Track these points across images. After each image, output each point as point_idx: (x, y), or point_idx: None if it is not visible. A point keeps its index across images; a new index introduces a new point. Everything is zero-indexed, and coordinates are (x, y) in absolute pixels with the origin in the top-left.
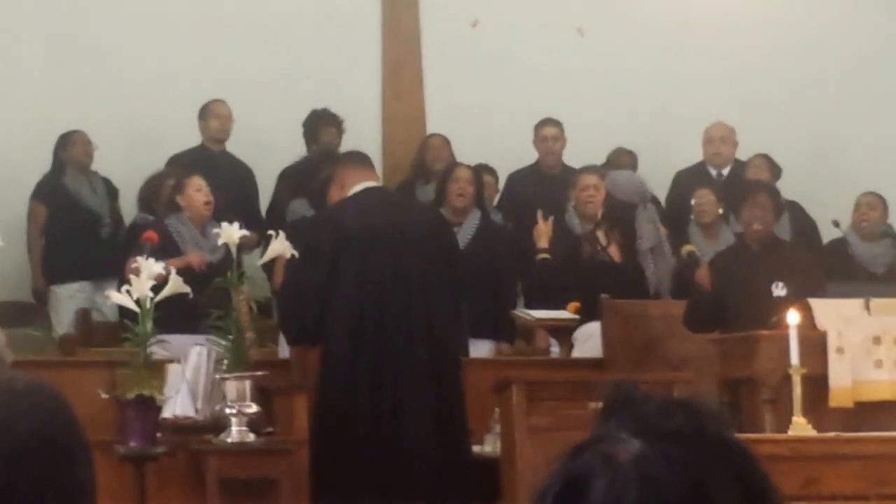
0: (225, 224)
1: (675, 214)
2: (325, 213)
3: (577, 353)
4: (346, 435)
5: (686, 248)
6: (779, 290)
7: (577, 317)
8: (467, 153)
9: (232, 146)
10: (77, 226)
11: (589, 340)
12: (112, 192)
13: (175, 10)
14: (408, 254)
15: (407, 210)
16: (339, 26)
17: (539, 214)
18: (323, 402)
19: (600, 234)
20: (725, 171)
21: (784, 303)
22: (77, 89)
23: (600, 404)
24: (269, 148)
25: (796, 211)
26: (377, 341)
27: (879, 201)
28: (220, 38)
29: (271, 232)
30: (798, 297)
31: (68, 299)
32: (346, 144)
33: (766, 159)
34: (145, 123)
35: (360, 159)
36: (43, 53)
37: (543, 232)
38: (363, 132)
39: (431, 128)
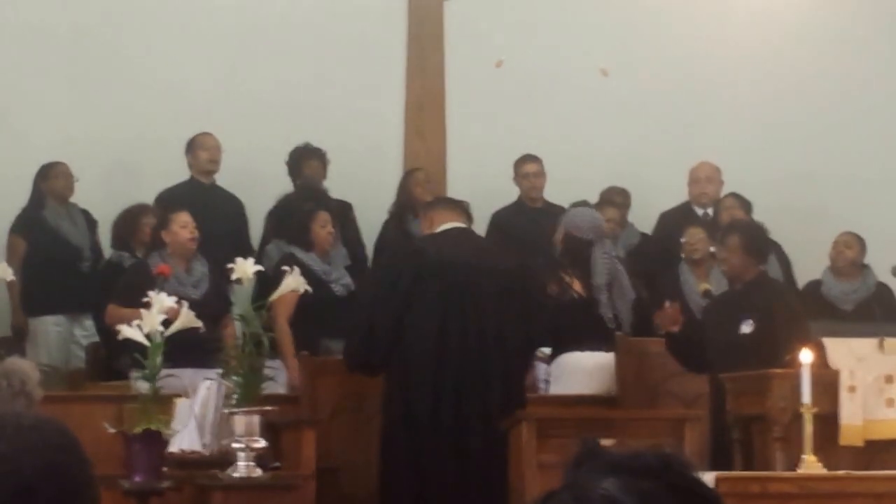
0: (239, 259)
1: (662, 254)
2: (409, 243)
3: (553, 390)
4: (414, 470)
5: (702, 287)
6: (746, 327)
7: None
8: (488, 191)
9: (249, 182)
10: (57, 259)
11: (564, 375)
12: (91, 224)
13: (197, 43)
14: (486, 295)
15: (492, 253)
16: (365, 63)
17: None
18: (395, 432)
19: (563, 273)
20: (711, 211)
21: (747, 341)
22: (64, 115)
23: (613, 441)
24: (291, 185)
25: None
26: (451, 379)
27: (856, 240)
28: (244, 73)
29: (286, 268)
30: (766, 335)
31: (44, 333)
32: (367, 180)
33: (736, 198)
34: (136, 153)
35: (451, 202)
36: (35, 82)
37: None
38: (385, 169)
39: (452, 165)
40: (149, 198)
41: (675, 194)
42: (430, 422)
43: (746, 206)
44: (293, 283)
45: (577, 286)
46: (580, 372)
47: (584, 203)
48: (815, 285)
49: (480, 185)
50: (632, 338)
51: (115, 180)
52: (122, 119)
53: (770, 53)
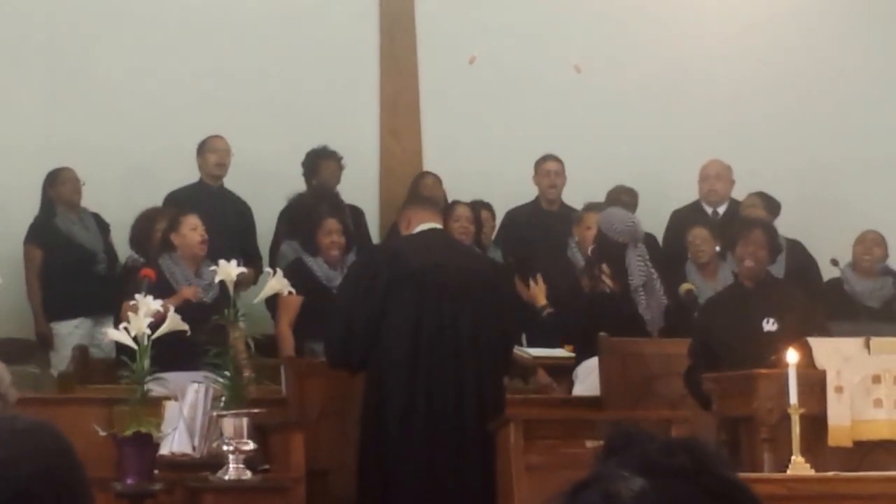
0: (222, 261)
1: (672, 254)
2: (387, 245)
3: (578, 390)
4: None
5: (684, 287)
6: (770, 325)
7: (572, 355)
8: (464, 190)
9: (231, 182)
10: (73, 264)
11: (591, 376)
12: (103, 227)
13: (173, 44)
14: (462, 297)
15: (466, 255)
16: (338, 64)
17: (531, 280)
18: (371, 435)
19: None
20: (721, 210)
21: (774, 338)
22: (71, 123)
23: (599, 443)
24: (267, 185)
25: (797, 250)
26: (425, 380)
27: (882, 239)
28: (219, 75)
29: (269, 269)
30: (790, 333)
31: (67, 336)
32: (344, 181)
33: (762, 197)
34: (141, 158)
35: (428, 202)
36: (39, 89)
37: (539, 290)
38: (361, 169)
39: (428, 164)
40: (160, 202)
41: (665, 191)
42: (402, 422)
43: (773, 207)
44: (277, 285)
45: (609, 281)
46: None
47: (601, 204)
48: (835, 282)
49: (457, 185)
50: (616, 338)
51: (127, 185)
52: (135, 121)
53: (758, 45)
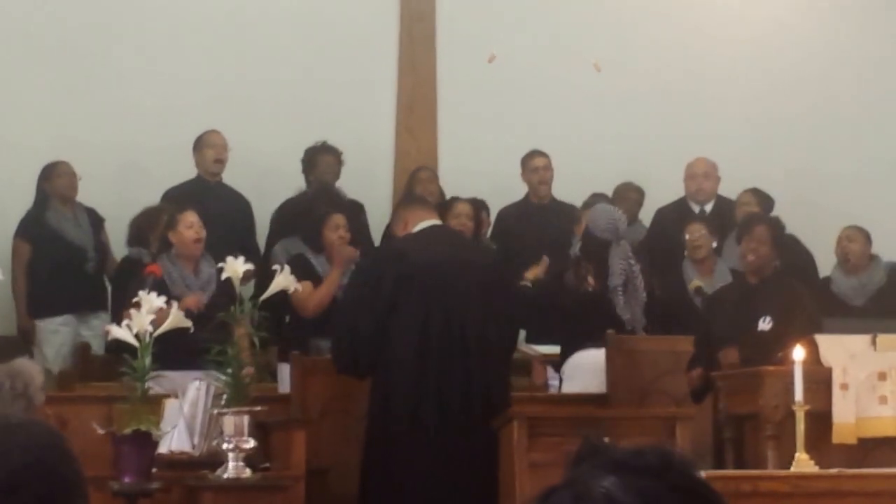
0: (230, 258)
1: (658, 251)
2: (390, 245)
3: (566, 388)
4: (397, 472)
5: (694, 284)
6: (764, 324)
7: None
8: (479, 188)
9: (243, 181)
10: (61, 260)
11: (577, 373)
12: (97, 222)
13: (183, 41)
14: (470, 293)
15: (472, 250)
16: (356, 61)
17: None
18: (377, 433)
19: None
20: (709, 207)
21: (768, 337)
22: (68, 118)
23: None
24: (280, 182)
25: (791, 243)
26: (434, 378)
27: (859, 233)
28: (235, 71)
29: (276, 267)
30: (784, 331)
31: (52, 333)
32: (358, 178)
33: (755, 193)
34: (137, 154)
35: (422, 200)
36: (37, 84)
37: (534, 270)
38: (376, 167)
39: (443, 163)
40: (157, 198)
41: (671, 190)
42: (411, 422)
43: (767, 202)
44: (283, 282)
45: (591, 280)
46: (596, 369)
47: (602, 198)
48: (823, 281)
49: (472, 183)
50: (622, 335)
51: (124, 181)
52: (127, 119)
53: (764, 47)
